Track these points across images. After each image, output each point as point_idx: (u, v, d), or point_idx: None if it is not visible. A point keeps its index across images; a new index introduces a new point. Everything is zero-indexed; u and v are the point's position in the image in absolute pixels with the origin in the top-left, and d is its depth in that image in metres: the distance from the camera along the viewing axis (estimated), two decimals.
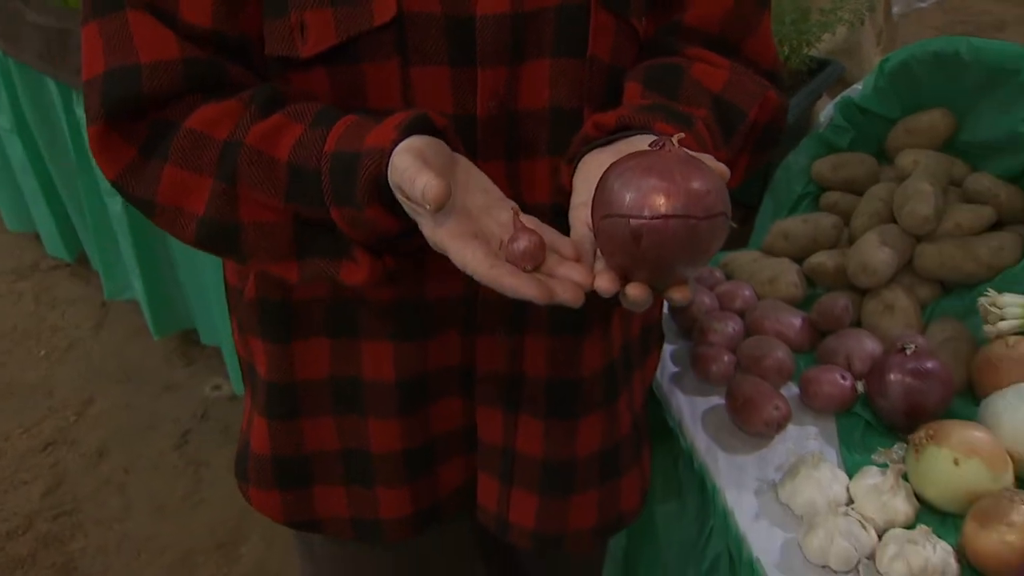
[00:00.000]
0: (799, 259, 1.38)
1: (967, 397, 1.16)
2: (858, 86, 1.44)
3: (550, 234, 0.69)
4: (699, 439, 1.14)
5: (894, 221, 1.31)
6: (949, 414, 1.10)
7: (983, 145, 1.35)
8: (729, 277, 1.39)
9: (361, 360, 0.89)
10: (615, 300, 0.93)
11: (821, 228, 1.37)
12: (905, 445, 1.08)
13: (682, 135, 0.66)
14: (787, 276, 1.34)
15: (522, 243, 0.66)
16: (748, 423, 1.12)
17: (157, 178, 0.78)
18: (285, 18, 0.77)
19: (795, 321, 1.27)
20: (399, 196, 0.68)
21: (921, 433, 1.03)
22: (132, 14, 0.77)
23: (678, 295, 0.66)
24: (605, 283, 0.65)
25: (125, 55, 0.77)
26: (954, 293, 1.28)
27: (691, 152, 0.66)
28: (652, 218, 0.62)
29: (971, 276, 1.25)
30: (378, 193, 0.70)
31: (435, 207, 0.63)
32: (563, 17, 0.79)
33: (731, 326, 1.26)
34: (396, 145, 0.68)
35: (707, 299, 1.32)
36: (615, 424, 0.97)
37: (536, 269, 0.67)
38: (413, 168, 0.65)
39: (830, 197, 1.44)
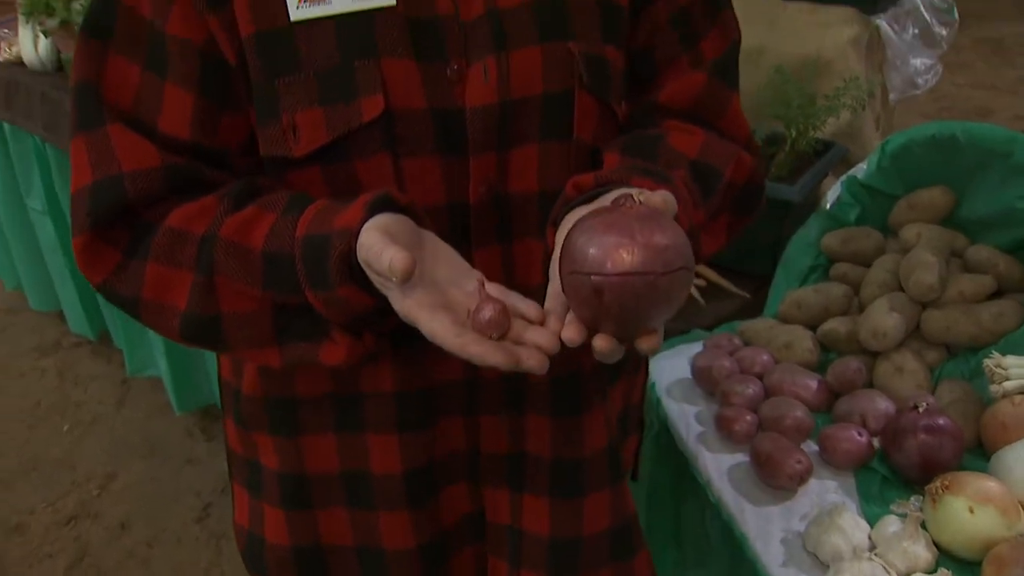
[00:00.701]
0: (812, 326, 1.47)
1: (976, 453, 1.23)
2: (863, 166, 1.55)
3: (516, 300, 0.71)
4: (726, 493, 1.21)
5: (901, 290, 1.40)
6: (960, 469, 1.17)
7: (980, 220, 1.45)
8: (747, 343, 1.47)
9: (369, 454, 0.90)
10: (610, 380, 0.95)
11: (832, 297, 1.46)
12: (921, 498, 1.14)
13: (644, 191, 0.68)
14: (802, 342, 1.42)
15: (487, 312, 0.68)
16: (772, 477, 1.19)
17: (141, 277, 0.80)
18: (277, 121, 0.80)
19: (811, 383, 1.35)
20: (369, 272, 0.70)
21: (937, 483, 1.10)
22: (112, 128, 0.80)
23: (646, 345, 0.67)
24: (571, 334, 0.67)
25: (108, 166, 0.80)
26: (959, 357, 1.36)
27: (653, 207, 0.67)
28: (612, 275, 0.63)
29: (975, 340, 1.33)
30: (349, 272, 0.72)
31: (401, 279, 0.65)
32: (549, 103, 0.83)
33: (751, 388, 1.34)
34: (363, 224, 0.71)
35: (727, 363, 1.39)
36: (622, 503, 0.98)
37: (503, 336, 0.69)
38: (379, 243, 0.67)
39: (839, 268, 1.53)
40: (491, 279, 0.73)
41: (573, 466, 0.93)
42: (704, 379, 1.39)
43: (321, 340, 0.78)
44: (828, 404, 1.35)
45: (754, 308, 1.68)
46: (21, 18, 2.57)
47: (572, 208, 0.76)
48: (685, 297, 0.67)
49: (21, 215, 2.97)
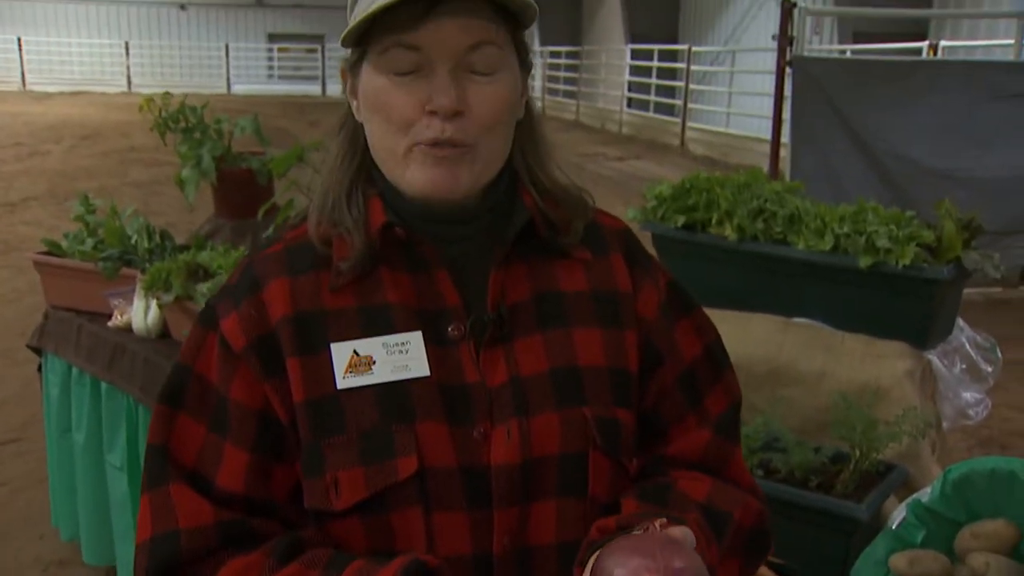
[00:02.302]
0: None
1: None
2: (927, 490, 1.66)
3: None
4: None
5: None
6: None
7: None
8: None
9: None
10: None
11: None
12: None
13: (665, 520, 0.78)
14: None
15: None
16: None
17: None
18: (321, 478, 0.89)
19: None
20: None
21: None
22: (174, 487, 0.90)
23: None
24: None
25: (167, 523, 0.89)
26: None
27: (673, 535, 0.77)
28: None
29: None
30: None
31: None
32: (565, 463, 0.92)
33: None
34: None
35: None
36: None
37: None
38: None
39: None
40: None
41: None
42: None
43: None
44: None
45: None
46: (139, 290, 2.84)
47: (596, 549, 0.84)
48: None
49: (97, 469, 3.08)
